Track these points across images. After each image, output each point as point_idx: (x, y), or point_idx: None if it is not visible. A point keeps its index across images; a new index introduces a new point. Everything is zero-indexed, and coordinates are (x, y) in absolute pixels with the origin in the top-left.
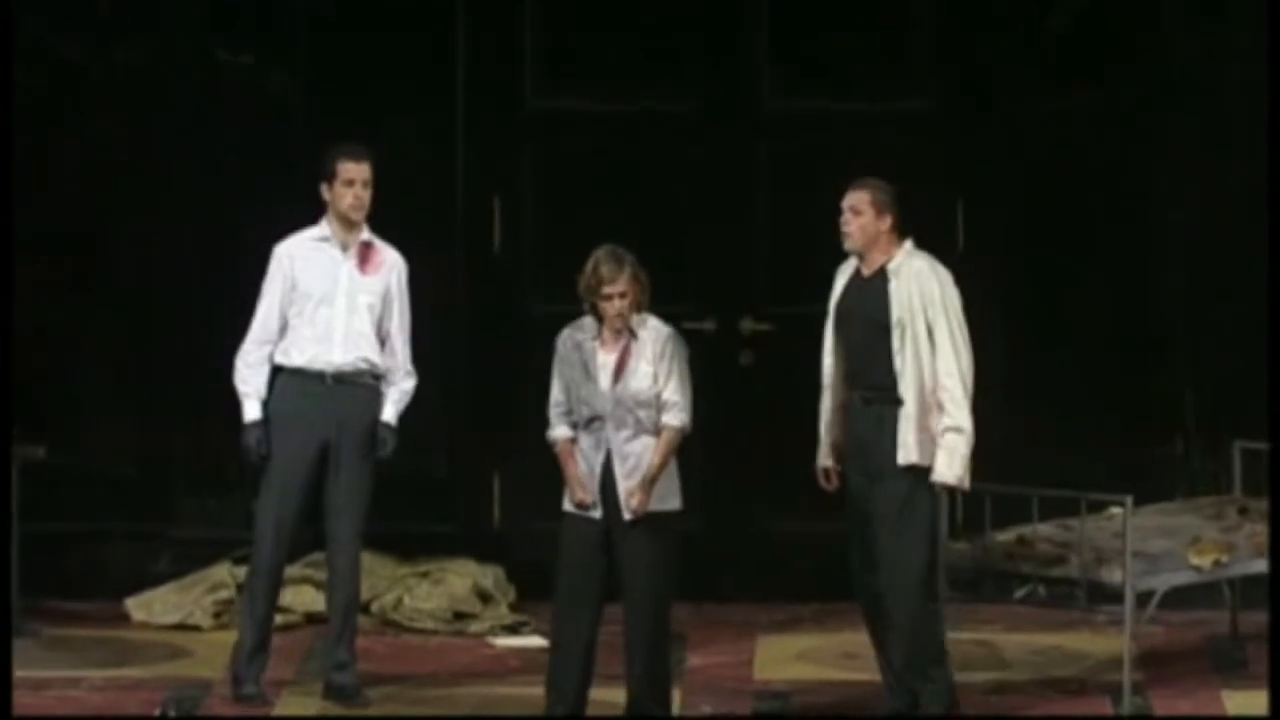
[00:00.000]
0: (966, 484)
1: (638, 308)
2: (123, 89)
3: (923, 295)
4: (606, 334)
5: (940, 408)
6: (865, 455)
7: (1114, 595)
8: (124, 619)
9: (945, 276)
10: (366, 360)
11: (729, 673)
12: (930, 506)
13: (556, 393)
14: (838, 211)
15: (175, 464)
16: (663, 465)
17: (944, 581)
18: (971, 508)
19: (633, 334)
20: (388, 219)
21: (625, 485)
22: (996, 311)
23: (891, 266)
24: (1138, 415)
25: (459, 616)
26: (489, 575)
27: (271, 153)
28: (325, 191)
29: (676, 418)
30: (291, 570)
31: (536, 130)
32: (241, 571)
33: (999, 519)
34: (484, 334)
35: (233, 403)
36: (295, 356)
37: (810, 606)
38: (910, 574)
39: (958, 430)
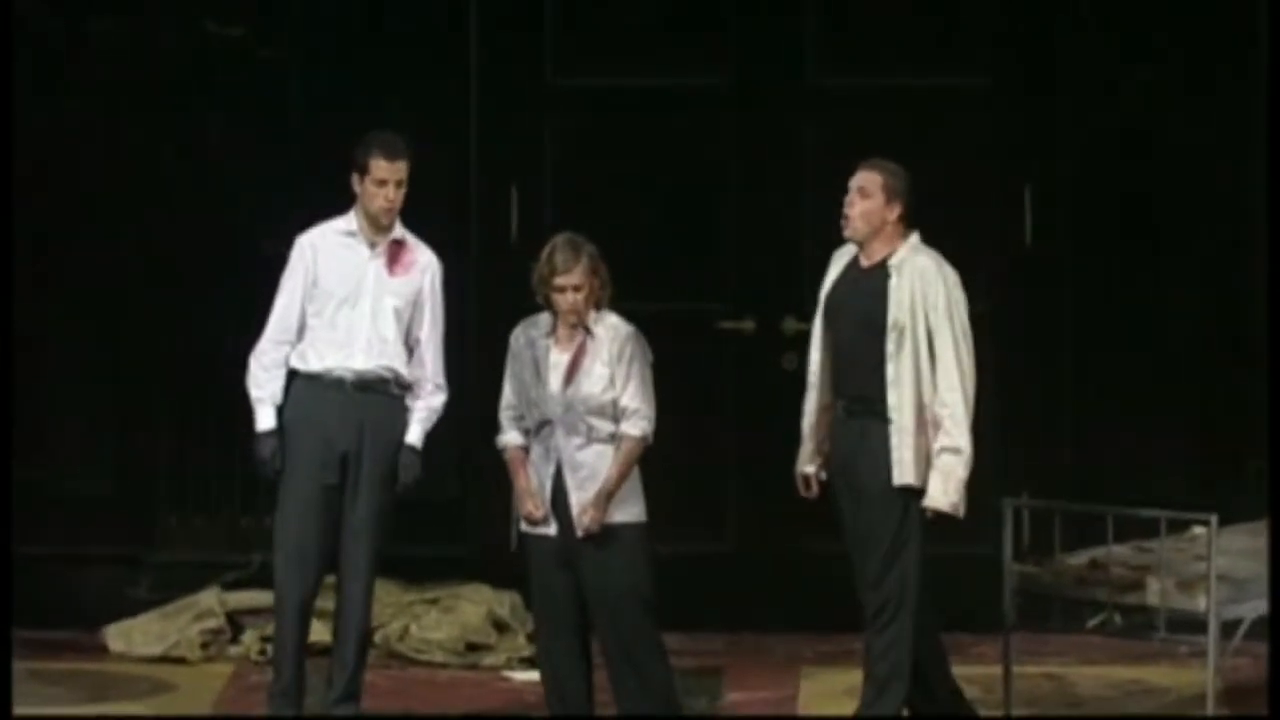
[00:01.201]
0: (961, 511)
1: (597, 304)
2: (99, 64)
3: (925, 297)
4: (562, 331)
5: (936, 425)
6: (848, 472)
7: (1197, 624)
8: (101, 650)
9: (952, 278)
10: (390, 369)
11: (772, 710)
12: (924, 534)
13: (507, 394)
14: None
15: (156, 478)
16: (620, 479)
17: (1010, 609)
18: (1039, 528)
19: (589, 332)
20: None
21: (577, 498)
22: (1066, 311)
23: (893, 261)
24: (1222, 426)
25: (472, 648)
26: (505, 603)
27: (264, 135)
28: (355, 184)
29: (636, 426)
30: None
31: (558, 109)
32: (231, 598)
33: (1069, 540)
34: (499, 337)
35: (221, 410)
36: (313, 361)
37: (859, 637)
38: (907, 613)
39: (955, 451)
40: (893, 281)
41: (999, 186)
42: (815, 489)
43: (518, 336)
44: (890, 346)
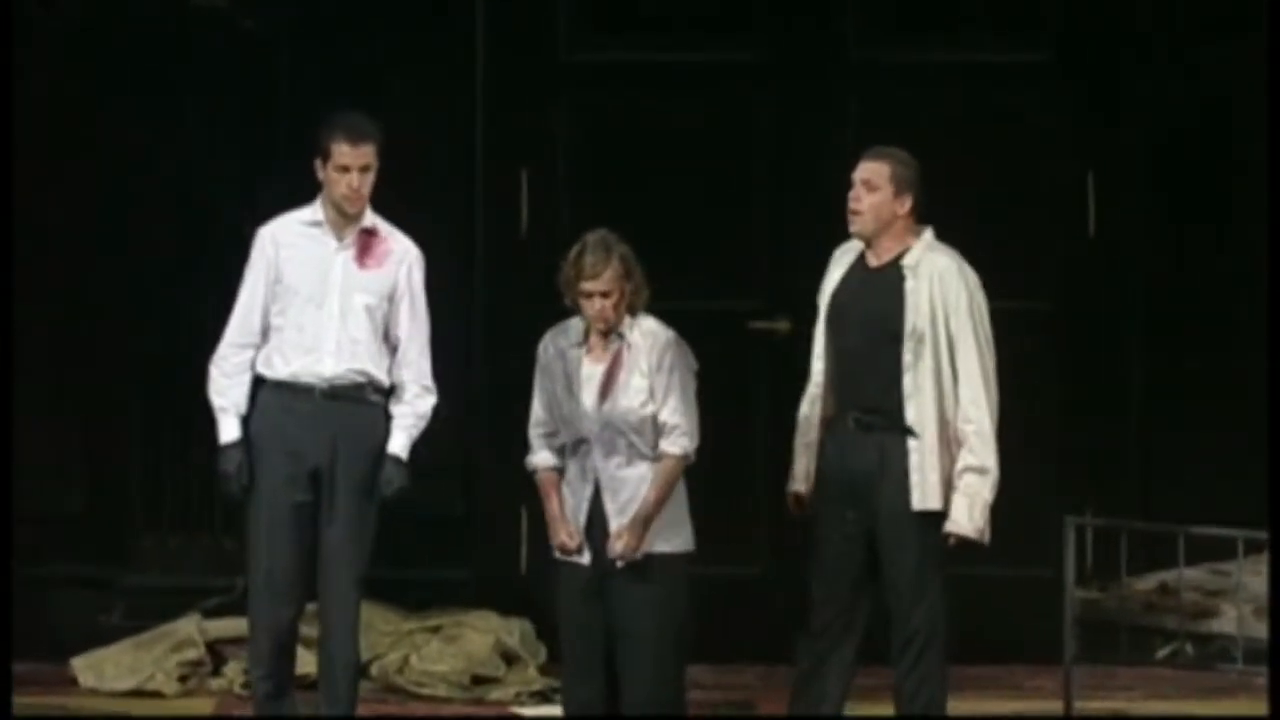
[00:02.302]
0: (986, 537)
1: (631, 309)
2: (70, 34)
3: (946, 302)
4: (594, 339)
5: (959, 442)
6: (857, 494)
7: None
8: (69, 683)
9: (974, 280)
10: (363, 372)
11: None
12: (944, 563)
13: (537, 409)
14: (939, 185)
15: (129, 496)
16: (660, 502)
17: (1072, 639)
18: (1104, 548)
19: (624, 340)
20: (389, 197)
21: (618, 524)
22: (1133, 310)
23: (908, 261)
24: None
25: (478, 681)
26: (514, 631)
27: (249, 116)
28: (318, 170)
29: (677, 444)
30: None
31: (574, 87)
32: (212, 626)
33: (1137, 562)
34: (508, 339)
35: (201, 420)
36: (279, 366)
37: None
38: (938, 648)
39: (981, 471)
40: (909, 284)
41: (1060, 171)
42: (807, 508)
43: (546, 346)
44: (908, 356)
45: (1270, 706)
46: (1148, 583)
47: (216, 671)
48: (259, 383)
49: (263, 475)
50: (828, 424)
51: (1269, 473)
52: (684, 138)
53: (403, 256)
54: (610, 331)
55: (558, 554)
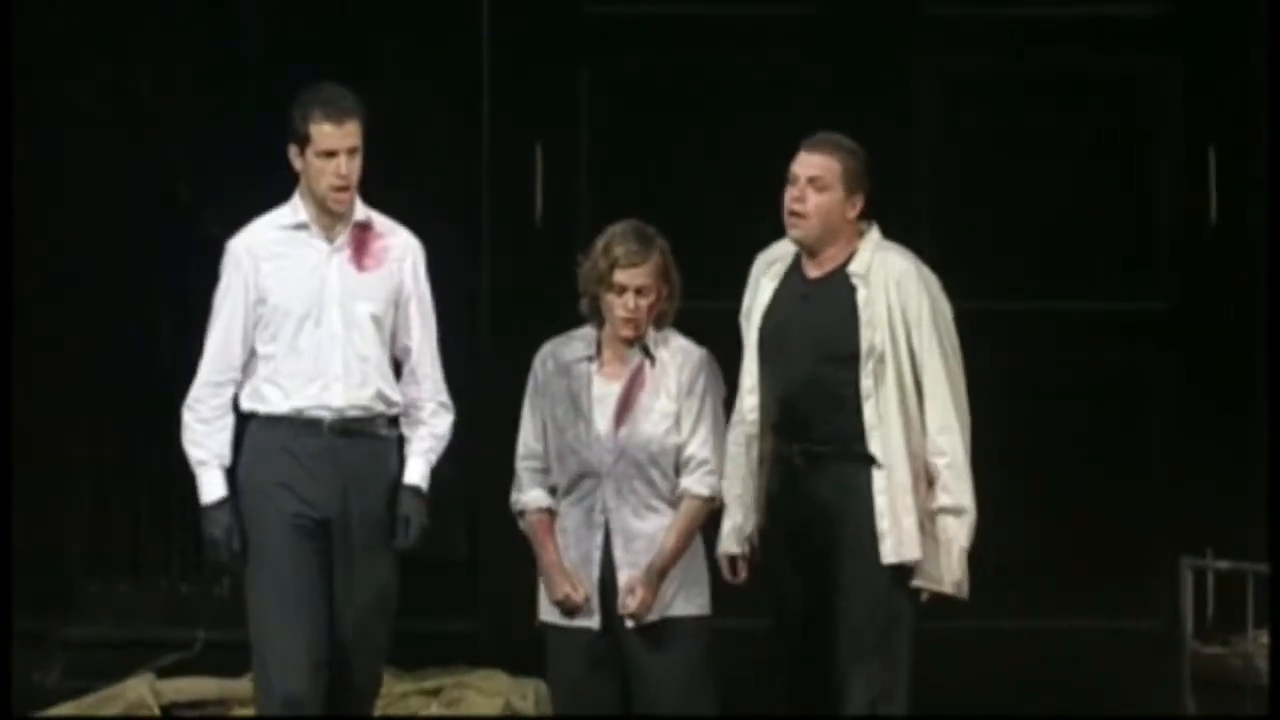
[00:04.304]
0: (965, 591)
1: (659, 320)
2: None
3: (906, 311)
4: (609, 352)
5: (929, 478)
6: (812, 536)
7: None
8: None
9: (935, 283)
10: (381, 397)
11: None
12: (914, 618)
13: (527, 438)
14: (1018, 155)
15: (73, 536)
16: (679, 551)
17: (1189, 700)
18: (1227, 596)
19: (648, 355)
20: (381, 182)
21: (628, 576)
22: (1259, 314)
23: (856, 267)
24: None
25: None
26: (528, 694)
27: (217, 98)
28: (295, 158)
29: (703, 483)
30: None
31: (598, 44)
32: (169, 687)
33: (1264, 612)
34: (519, 348)
35: (155, 443)
36: (275, 400)
37: None
38: (900, 705)
39: (958, 513)
40: (861, 294)
41: (1173, 150)
42: (744, 574)
43: (544, 360)
44: (867, 380)
45: (1270, 706)
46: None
47: None
48: (244, 420)
49: (264, 534)
50: (767, 466)
51: (1269, 489)
52: (724, 106)
53: (404, 252)
54: (634, 342)
55: (554, 615)
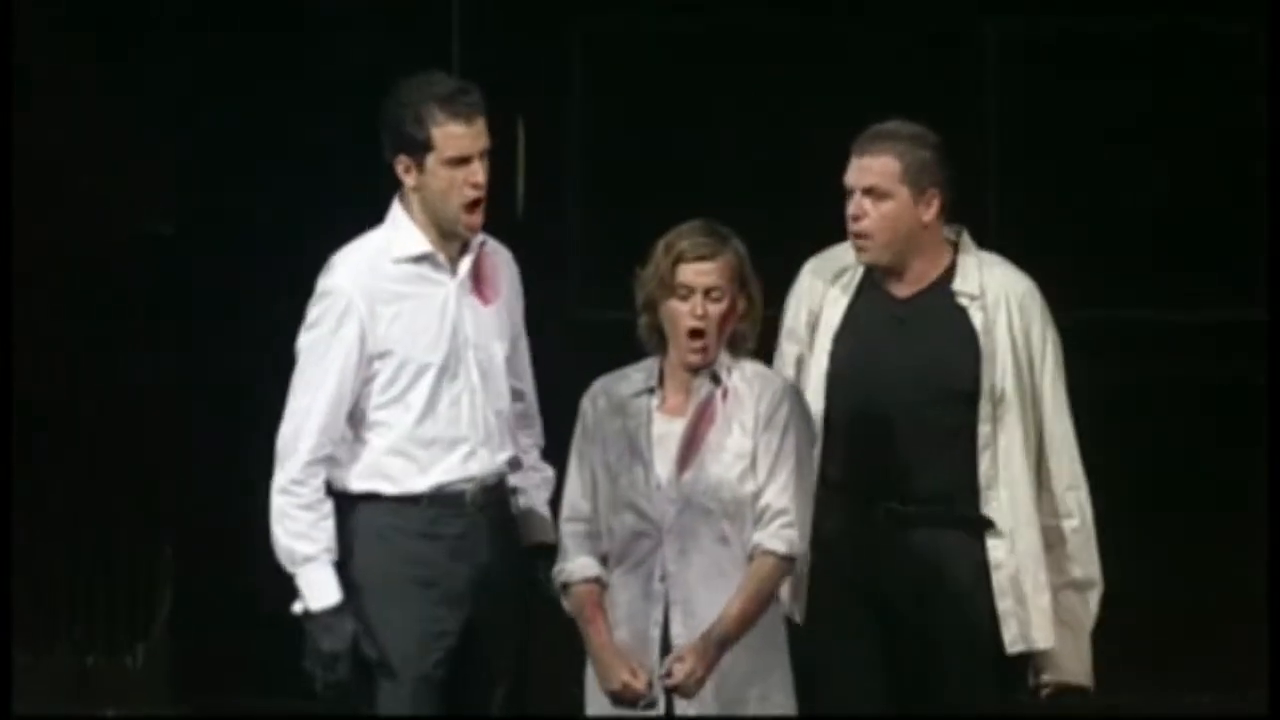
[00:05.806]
0: (1091, 681)
1: (733, 342)
2: None
3: (1030, 342)
4: (672, 382)
5: (1053, 545)
6: (893, 619)
7: None
8: None
9: (1044, 303)
10: (512, 460)
11: None
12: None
13: (574, 495)
14: (1101, 153)
15: (15, 597)
16: (745, 619)
17: None
18: None
19: (718, 382)
20: (334, 163)
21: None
22: None
23: (965, 284)
24: None
25: None
26: None
27: (142, 63)
28: (404, 173)
29: (780, 537)
30: None
31: (589, 5)
32: None
33: None
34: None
35: (67, 475)
36: (407, 476)
37: None
38: None
39: (1088, 586)
40: (977, 319)
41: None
42: None
43: (594, 399)
44: (985, 426)
45: (1270, 707)
46: None
47: None
48: (353, 503)
49: (392, 643)
50: (828, 526)
51: (1268, 493)
52: (745, 79)
53: (510, 269)
54: (701, 369)
55: (604, 709)
